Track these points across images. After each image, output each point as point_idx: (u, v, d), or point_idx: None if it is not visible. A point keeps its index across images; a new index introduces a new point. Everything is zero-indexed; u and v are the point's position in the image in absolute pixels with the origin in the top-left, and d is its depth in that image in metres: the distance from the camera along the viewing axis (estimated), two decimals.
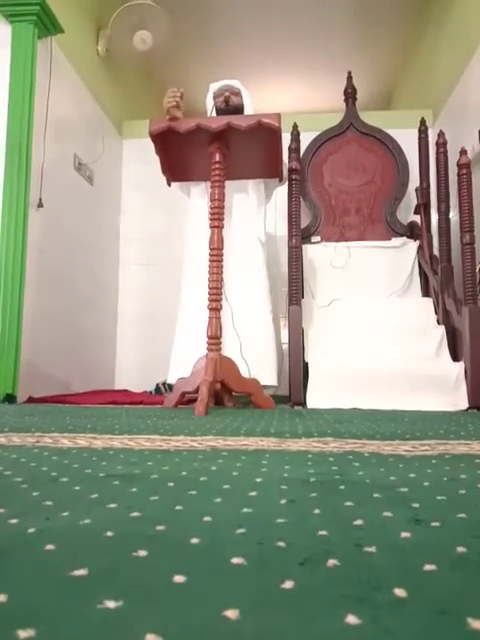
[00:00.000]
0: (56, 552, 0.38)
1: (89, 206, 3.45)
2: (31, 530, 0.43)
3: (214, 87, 2.65)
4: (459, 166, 2.49)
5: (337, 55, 4.67)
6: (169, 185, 2.48)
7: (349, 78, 3.52)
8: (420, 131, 3.33)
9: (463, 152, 2.51)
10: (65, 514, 0.48)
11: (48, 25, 2.75)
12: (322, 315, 2.76)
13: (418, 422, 1.52)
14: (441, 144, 3.03)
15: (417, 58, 4.46)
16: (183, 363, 2.33)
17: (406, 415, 1.78)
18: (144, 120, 2.52)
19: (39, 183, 2.74)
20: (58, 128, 2.98)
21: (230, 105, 2.48)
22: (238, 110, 2.52)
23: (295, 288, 2.60)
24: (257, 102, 2.75)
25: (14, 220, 2.54)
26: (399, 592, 0.31)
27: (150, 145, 2.19)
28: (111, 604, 0.30)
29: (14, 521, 0.46)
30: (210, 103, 2.61)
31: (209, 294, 2.08)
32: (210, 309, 2.07)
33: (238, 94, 2.58)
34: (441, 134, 3.06)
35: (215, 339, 2.05)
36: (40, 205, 2.74)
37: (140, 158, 3.83)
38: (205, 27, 4.43)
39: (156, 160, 2.28)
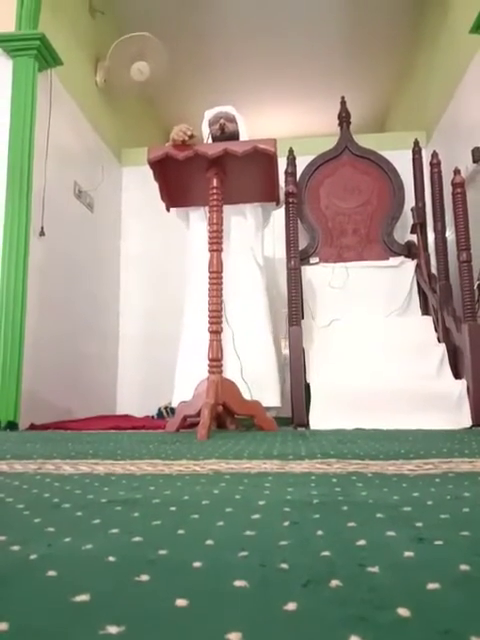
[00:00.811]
0: (58, 578, 0.38)
1: (89, 232, 3.49)
2: (33, 556, 0.43)
3: (209, 114, 2.71)
4: (453, 185, 2.52)
5: (331, 80, 4.78)
6: (168, 211, 2.51)
7: (343, 103, 3.60)
8: (414, 152, 3.38)
9: (457, 171, 2.55)
10: (67, 540, 0.48)
11: (48, 58, 2.82)
12: (322, 335, 2.77)
13: (421, 441, 1.51)
14: (435, 164, 3.07)
15: (409, 81, 4.56)
16: (187, 386, 2.33)
17: (409, 434, 1.77)
18: (143, 148, 2.56)
19: (40, 211, 2.77)
20: (58, 157, 3.03)
21: (225, 132, 2.52)
22: (234, 136, 2.56)
23: (295, 309, 2.61)
24: (253, 127, 2.80)
25: (16, 247, 2.57)
26: (402, 612, 0.31)
27: (149, 172, 2.23)
28: (113, 629, 0.29)
29: (16, 548, 0.46)
30: (206, 130, 2.67)
31: (209, 317, 2.09)
32: (211, 332, 2.08)
33: (233, 120, 2.63)
34: (435, 154, 3.11)
35: (216, 361, 2.05)
36: (42, 233, 2.77)
37: (139, 185, 3.89)
38: (201, 56, 4.54)
39: (155, 186, 2.31)
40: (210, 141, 2.57)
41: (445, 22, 3.50)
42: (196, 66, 4.62)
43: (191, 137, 2.09)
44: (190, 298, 2.65)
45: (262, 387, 2.37)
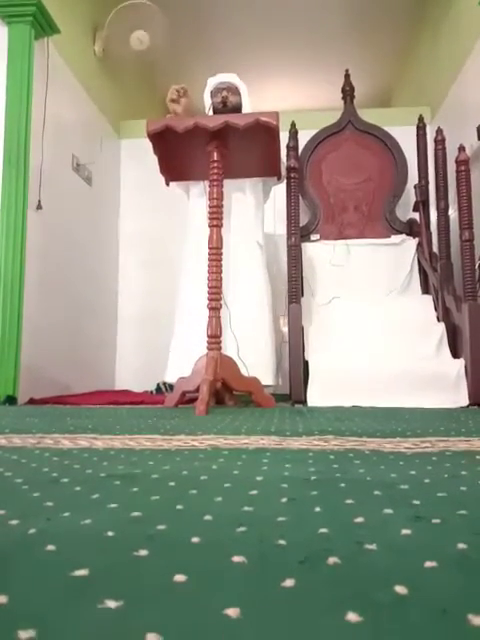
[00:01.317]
0: (57, 553, 0.38)
1: (88, 207, 3.45)
2: (32, 531, 0.43)
3: (212, 83, 2.63)
4: (457, 163, 2.49)
5: (335, 53, 4.67)
6: (167, 185, 2.47)
7: (347, 76, 3.52)
8: (418, 128, 3.32)
9: (461, 149, 2.51)
10: (66, 515, 0.48)
11: (44, 26, 2.75)
12: (322, 313, 2.76)
13: (419, 419, 1.52)
14: (439, 141, 3.02)
15: (415, 56, 4.45)
16: (181, 362, 2.34)
17: (407, 412, 1.78)
18: (142, 120, 2.52)
19: (37, 185, 2.74)
20: (56, 129, 2.98)
21: (228, 105, 2.48)
22: (236, 109, 2.51)
23: (294, 286, 2.60)
24: (255, 101, 2.75)
25: (13, 222, 2.54)
26: (400, 590, 0.31)
27: (148, 145, 2.19)
28: (112, 604, 0.30)
29: (15, 522, 0.46)
30: (208, 99, 2.61)
31: (209, 293, 2.08)
32: (210, 308, 2.07)
33: (236, 92, 2.57)
34: (439, 131, 3.05)
35: (215, 338, 2.05)
36: (39, 207, 2.74)
37: (138, 158, 3.83)
38: (202, 26, 4.43)
39: (154, 160, 2.28)
40: (211, 112, 2.52)
41: None
42: (197, 36, 4.51)
43: (184, 92, 2.08)
44: (188, 275, 2.62)
45: (257, 366, 2.38)
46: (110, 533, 0.42)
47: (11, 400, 2.43)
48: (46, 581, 0.33)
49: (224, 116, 2.10)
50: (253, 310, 2.52)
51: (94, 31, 3.61)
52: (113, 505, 0.52)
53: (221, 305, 2.10)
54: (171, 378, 2.36)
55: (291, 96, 5.43)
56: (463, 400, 2.27)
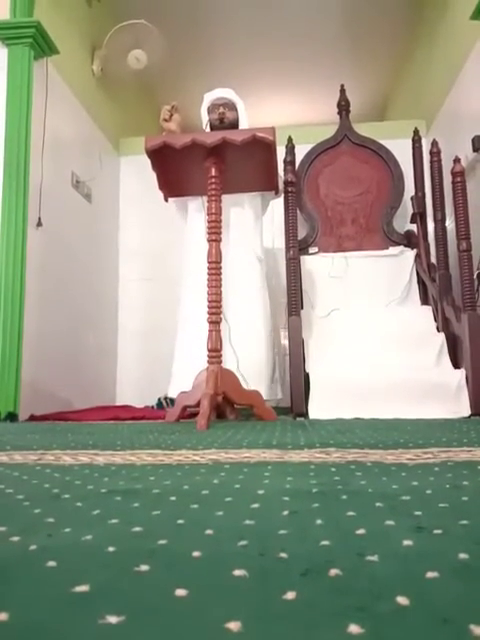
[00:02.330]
0: (58, 569, 0.38)
1: (87, 223, 3.47)
2: (33, 547, 0.43)
3: (208, 98, 2.65)
4: (453, 174, 2.51)
5: (330, 68, 4.73)
6: (166, 200, 2.49)
7: (342, 91, 3.57)
8: (414, 141, 3.36)
9: (457, 160, 2.53)
10: (67, 531, 0.48)
11: (43, 47, 2.79)
12: (322, 325, 2.76)
13: (420, 430, 1.52)
14: (435, 153, 3.05)
15: (409, 70, 4.51)
16: (184, 377, 2.33)
17: (408, 424, 1.78)
18: (140, 137, 2.55)
19: (37, 202, 2.76)
20: (55, 147, 3.01)
21: (225, 122, 2.51)
22: (233, 125, 2.54)
23: (294, 299, 2.61)
24: (252, 116, 2.78)
25: (13, 239, 2.56)
26: (401, 600, 0.31)
27: (147, 161, 2.21)
28: (113, 619, 0.29)
29: (16, 538, 0.46)
30: (205, 115, 2.63)
31: (209, 307, 2.08)
32: (210, 322, 2.07)
33: (233, 108, 2.59)
34: (435, 143, 3.09)
35: (215, 352, 2.05)
36: (39, 224, 2.76)
37: (137, 174, 3.87)
38: (199, 44, 4.50)
39: (153, 176, 2.30)
40: (208, 128, 2.55)
41: (445, 10, 3.46)
42: (194, 54, 4.58)
43: (175, 110, 2.14)
44: (188, 290, 2.64)
45: (258, 379, 2.38)
46: (111, 548, 0.42)
47: (12, 417, 2.42)
48: (47, 597, 0.33)
49: (221, 132, 2.13)
50: (253, 323, 2.52)
51: (92, 50, 3.67)
52: (114, 520, 0.52)
53: (221, 319, 2.10)
54: (174, 393, 2.35)
55: (287, 111, 5.50)
56: (464, 410, 2.26)
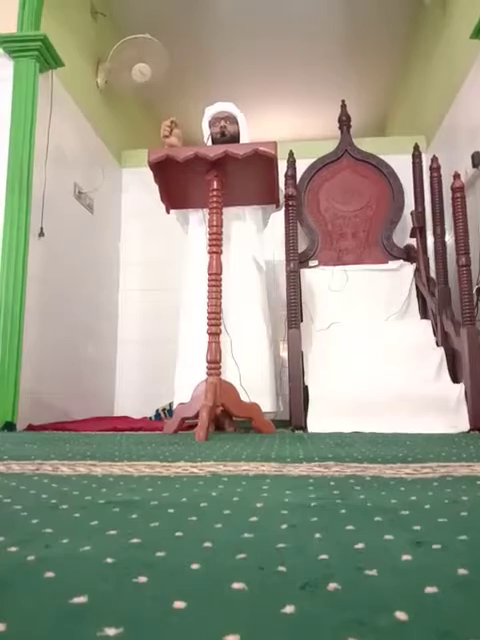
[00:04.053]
0: (56, 580, 0.38)
1: (89, 234, 3.49)
2: (31, 558, 0.43)
3: (209, 112, 2.68)
4: (453, 190, 2.53)
5: (332, 84, 4.79)
6: (168, 212, 2.51)
7: (343, 106, 3.61)
8: (414, 156, 3.39)
9: (456, 176, 2.55)
10: (65, 541, 0.48)
11: (49, 60, 2.82)
12: (321, 338, 2.77)
13: (419, 445, 1.51)
14: (435, 169, 3.08)
15: (409, 86, 4.57)
16: (185, 389, 2.33)
17: (407, 438, 1.77)
18: (143, 149, 2.57)
19: (40, 212, 2.77)
20: (58, 158, 3.03)
21: (226, 135, 2.53)
22: (234, 138, 2.56)
23: (294, 312, 2.61)
24: (254, 131, 2.81)
25: (15, 248, 2.57)
26: (400, 615, 0.31)
27: (149, 174, 2.23)
28: (111, 631, 0.29)
29: (14, 549, 0.46)
30: (206, 128, 2.66)
31: (208, 319, 2.09)
32: (209, 334, 2.07)
33: (234, 121, 2.62)
34: (434, 159, 3.12)
35: (215, 363, 2.05)
36: (41, 234, 2.77)
37: (139, 186, 3.89)
38: (201, 59, 4.55)
39: (155, 188, 2.32)
40: (210, 141, 2.57)
41: (445, 28, 3.51)
42: (196, 68, 4.64)
43: (174, 125, 2.16)
44: (188, 301, 2.64)
45: (257, 392, 2.37)
46: (109, 560, 0.42)
47: (10, 426, 2.41)
48: (45, 608, 0.33)
49: (224, 146, 2.15)
50: (253, 336, 2.52)
51: (97, 64, 3.71)
52: (112, 532, 0.52)
53: (221, 330, 2.11)
54: (179, 402, 2.35)
55: (289, 126, 5.55)
56: (464, 425, 2.25)
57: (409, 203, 3.35)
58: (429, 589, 0.35)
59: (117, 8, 3.94)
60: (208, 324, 2.08)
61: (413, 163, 3.38)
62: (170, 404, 3.05)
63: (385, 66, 4.63)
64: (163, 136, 2.33)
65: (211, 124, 2.63)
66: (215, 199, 2.15)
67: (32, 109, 2.69)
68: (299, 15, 4.08)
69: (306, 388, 2.47)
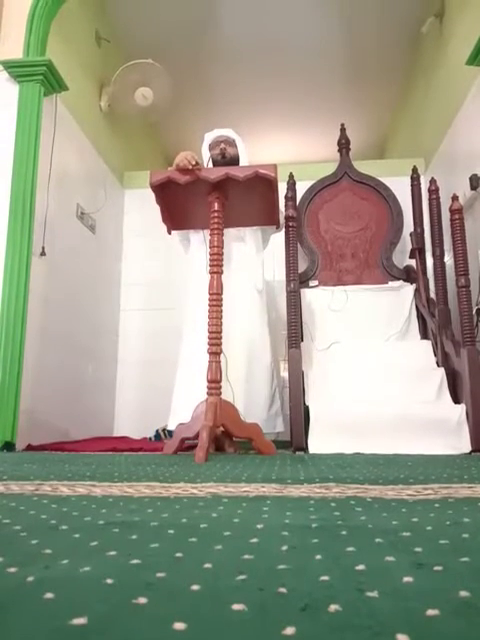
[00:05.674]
0: (55, 600, 0.38)
1: (91, 254, 3.51)
2: (30, 578, 0.43)
3: (209, 137, 2.73)
4: (451, 212, 2.55)
5: (331, 107, 4.87)
6: (169, 233, 2.53)
7: (342, 129, 3.66)
8: (413, 179, 3.43)
9: (455, 198, 2.58)
10: (64, 562, 0.48)
11: (54, 83, 2.88)
12: (322, 358, 2.76)
13: (421, 466, 1.50)
14: (433, 191, 3.12)
15: (408, 110, 4.65)
16: (184, 409, 2.32)
17: (409, 459, 1.76)
18: (145, 171, 2.60)
19: (42, 232, 2.80)
20: (61, 180, 3.07)
21: (226, 157, 2.58)
22: (234, 160, 2.60)
23: (294, 331, 2.62)
24: (254, 154, 2.85)
25: (17, 268, 2.58)
26: (401, 638, 0.31)
27: (151, 195, 2.25)
28: None
29: (13, 570, 0.45)
30: (206, 153, 2.70)
31: (209, 338, 2.09)
32: (210, 353, 2.08)
33: (233, 144, 2.67)
34: (433, 181, 3.16)
35: (215, 383, 2.05)
36: (43, 253, 2.79)
37: (141, 207, 3.94)
38: (203, 83, 4.65)
39: (157, 209, 2.34)
40: (210, 164, 2.61)
41: (442, 54, 3.59)
42: (198, 92, 4.73)
43: (196, 165, 2.13)
44: (189, 321, 2.65)
45: (254, 413, 2.36)
46: (109, 580, 0.42)
47: (9, 446, 2.40)
48: (45, 630, 0.33)
49: (225, 168, 2.18)
50: (253, 355, 2.53)
51: (101, 87, 3.78)
52: (112, 552, 0.51)
53: (221, 350, 2.11)
54: (174, 425, 2.33)
55: (289, 149, 5.63)
56: (465, 446, 2.24)
57: (408, 224, 3.38)
58: (430, 612, 0.35)
59: (121, 34, 4.04)
60: (209, 344, 2.09)
61: (412, 185, 3.42)
62: (165, 427, 3.03)
63: (384, 91, 4.72)
64: (181, 166, 2.13)
65: (211, 147, 2.68)
66: (216, 220, 2.18)
67: (36, 132, 2.74)
68: (300, 41, 4.18)
69: (307, 408, 2.46)
